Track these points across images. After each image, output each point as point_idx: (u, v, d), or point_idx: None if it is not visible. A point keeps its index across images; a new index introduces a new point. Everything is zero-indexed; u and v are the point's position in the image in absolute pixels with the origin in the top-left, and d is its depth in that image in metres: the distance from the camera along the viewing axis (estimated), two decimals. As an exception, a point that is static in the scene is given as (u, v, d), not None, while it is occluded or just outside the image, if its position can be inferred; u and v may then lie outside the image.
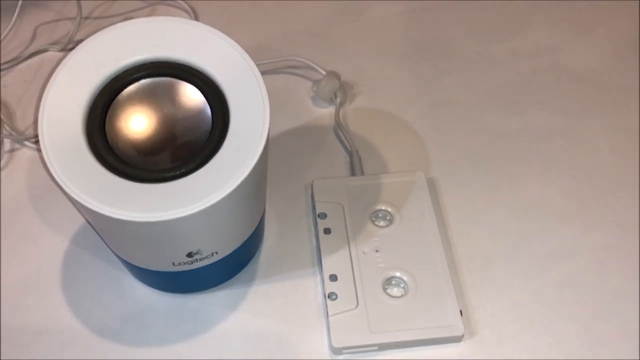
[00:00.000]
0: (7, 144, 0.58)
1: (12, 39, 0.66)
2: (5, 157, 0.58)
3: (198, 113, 0.42)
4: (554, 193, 0.56)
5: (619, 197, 0.55)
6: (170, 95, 0.42)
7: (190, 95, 0.42)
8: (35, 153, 0.58)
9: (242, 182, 0.40)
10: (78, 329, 0.49)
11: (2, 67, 0.63)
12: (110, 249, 0.48)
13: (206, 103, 0.42)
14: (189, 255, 0.44)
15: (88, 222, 0.52)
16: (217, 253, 0.45)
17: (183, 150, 0.41)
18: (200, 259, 0.45)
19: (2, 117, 0.59)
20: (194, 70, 0.43)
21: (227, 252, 0.46)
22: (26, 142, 0.58)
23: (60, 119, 0.41)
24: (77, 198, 0.39)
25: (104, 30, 0.43)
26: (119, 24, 0.44)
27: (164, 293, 0.50)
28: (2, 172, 0.57)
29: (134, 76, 0.42)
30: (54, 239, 0.53)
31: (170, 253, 0.44)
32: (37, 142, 0.58)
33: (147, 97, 0.42)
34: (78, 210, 0.51)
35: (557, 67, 0.64)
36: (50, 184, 0.55)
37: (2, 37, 0.64)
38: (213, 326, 0.49)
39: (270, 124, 0.41)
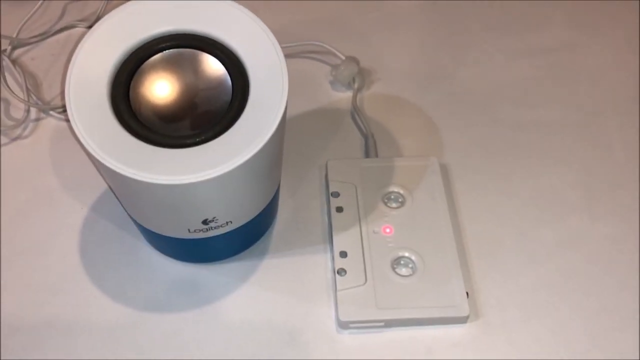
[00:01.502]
0: (33, 112, 0.60)
1: (42, 15, 0.68)
2: (30, 125, 0.59)
3: (219, 84, 0.43)
4: (563, 185, 0.56)
5: (628, 191, 0.56)
6: (193, 66, 0.44)
7: (213, 67, 0.44)
8: (60, 123, 0.60)
9: (258, 152, 0.41)
10: (92, 291, 0.50)
11: (31, 40, 0.65)
12: (128, 214, 0.50)
13: (227, 75, 0.43)
14: (205, 222, 0.45)
15: (108, 185, 0.54)
16: (231, 222, 0.46)
17: (203, 118, 0.43)
18: (215, 227, 0.46)
19: (29, 87, 0.61)
20: (217, 43, 0.44)
21: (242, 223, 0.47)
22: (51, 112, 0.60)
23: (87, 82, 0.42)
24: (99, 158, 0.40)
25: (133, 1, 0.45)
26: (148, -3, 0.45)
27: (178, 262, 0.52)
28: (26, 140, 0.58)
29: (159, 46, 0.44)
30: (74, 205, 0.54)
31: (186, 219, 0.45)
32: (62, 112, 0.60)
33: (171, 67, 0.44)
34: (99, 171, 0.52)
35: (573, 63, 0.65)
36: (72, 153, 0.56)
37: (32, 12, 0.66)
38: (224, 296, 0.50)
39: (288, 102, 0.43)
